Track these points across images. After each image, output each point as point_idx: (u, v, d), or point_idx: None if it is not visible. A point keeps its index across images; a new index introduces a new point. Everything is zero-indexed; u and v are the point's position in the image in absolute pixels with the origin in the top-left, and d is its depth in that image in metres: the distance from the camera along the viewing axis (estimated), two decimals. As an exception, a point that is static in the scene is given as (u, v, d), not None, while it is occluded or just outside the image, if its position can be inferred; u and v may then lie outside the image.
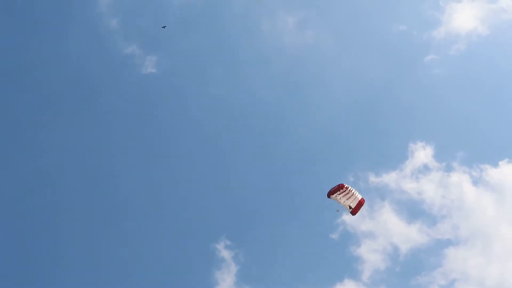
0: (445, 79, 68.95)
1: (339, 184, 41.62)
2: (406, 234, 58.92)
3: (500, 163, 61.20)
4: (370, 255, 57.89)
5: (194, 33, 70.96)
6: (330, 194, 41.99)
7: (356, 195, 41.89)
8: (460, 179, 61.10)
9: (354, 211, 42.48)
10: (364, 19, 72.58)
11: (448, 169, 61.67)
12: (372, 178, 61.21)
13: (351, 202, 42.04)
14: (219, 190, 63.86)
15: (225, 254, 58.31)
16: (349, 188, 41.54)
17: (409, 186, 60.89)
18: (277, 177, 64.86)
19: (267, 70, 70.79)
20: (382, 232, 59.25)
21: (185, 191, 63.65)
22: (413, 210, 60.28)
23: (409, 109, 68.10)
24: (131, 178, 63.31)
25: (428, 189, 60.71)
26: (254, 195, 63.59)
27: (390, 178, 61.21)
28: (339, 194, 41.73)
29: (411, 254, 57.74)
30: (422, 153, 62.36)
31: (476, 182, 60.93)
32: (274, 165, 65.58)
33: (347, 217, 58.91)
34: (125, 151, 65.00)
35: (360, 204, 42.27)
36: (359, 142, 65.85)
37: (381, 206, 60.57)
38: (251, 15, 72.09)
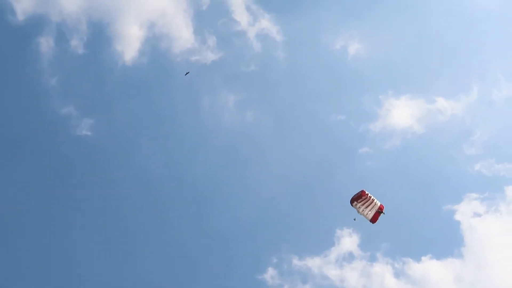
0: (377, 172, 70.35)
1: (361, 191, 42.66)
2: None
3: (423, 258, 62.50)
4: None
5: (134, 101, 71.18)
6: (352, 201, 43.08)
7: (376, 202, 43.11)
8: (382, 270, 61.72)
9: (373, 219, 43.70)
10: (305, 105, 74.47)
11: (372, 259, 62.26)
12: (296, 261, 60.69)
13: (370, 210, 43.19)
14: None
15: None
16: (369, 196, 42.58)
17: (332, 272, 60.69)
18: (203, 254, 63.07)
19: (203, 145, 70.84)
20: (301, 317, 57.59)
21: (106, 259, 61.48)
22: (334, 297, 59.29)
23: (340, 195, 67.44)
24: (46, 235, 61.05)
25: (351, 277, 60.66)
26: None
27: (313, 263, 60.87)
28: (359, 202, 42.82)
29: None
30: (348, 240, 62.53)
31: (398, 274, 61.73)
32: (201, 241, 64.06)
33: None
34: (46, 209, 62.54)
35: (380, 210, 43.48)
36: (288, 223, 65.52)
37: (302, 290, 59.28)
38: (193, 89, 73.04)
